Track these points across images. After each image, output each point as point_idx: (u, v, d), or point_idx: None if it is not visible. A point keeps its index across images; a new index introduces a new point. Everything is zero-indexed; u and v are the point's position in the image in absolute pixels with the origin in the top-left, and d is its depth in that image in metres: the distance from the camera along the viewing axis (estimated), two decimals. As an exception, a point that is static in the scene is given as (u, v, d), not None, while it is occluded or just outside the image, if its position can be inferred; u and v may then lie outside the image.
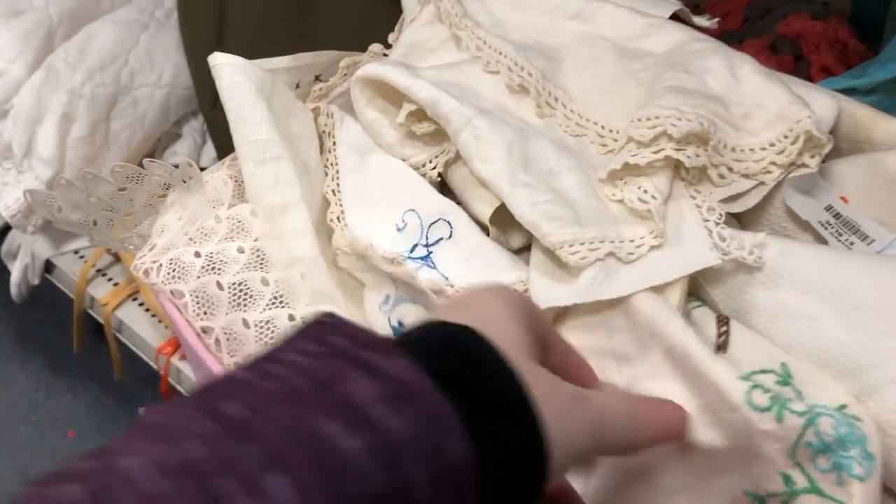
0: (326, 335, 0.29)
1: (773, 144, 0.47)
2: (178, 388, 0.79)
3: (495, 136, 0.48)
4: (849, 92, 0.58)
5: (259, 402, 0.26)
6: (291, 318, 0.51)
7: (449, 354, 0.30)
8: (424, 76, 0.51)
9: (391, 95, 0.53)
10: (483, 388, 0.29)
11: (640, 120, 0.47)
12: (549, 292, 0.45)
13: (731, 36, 0.72)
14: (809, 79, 0.65)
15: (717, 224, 0.45)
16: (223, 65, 0.54)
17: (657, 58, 0.53)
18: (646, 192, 0.46)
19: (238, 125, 0.53)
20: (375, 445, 0.26)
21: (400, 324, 0.51)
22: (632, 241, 0.45)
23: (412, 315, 0.50)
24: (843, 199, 0.49)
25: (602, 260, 0.45)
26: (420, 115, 0.52)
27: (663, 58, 0.53)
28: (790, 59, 0.67)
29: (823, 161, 0.50)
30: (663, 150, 0.45)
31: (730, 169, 0.47)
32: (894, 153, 0.49)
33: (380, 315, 0.52)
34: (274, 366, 0.28)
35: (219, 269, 0.52)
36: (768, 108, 0.48)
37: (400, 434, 0.26)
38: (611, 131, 0.51)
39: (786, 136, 0.47)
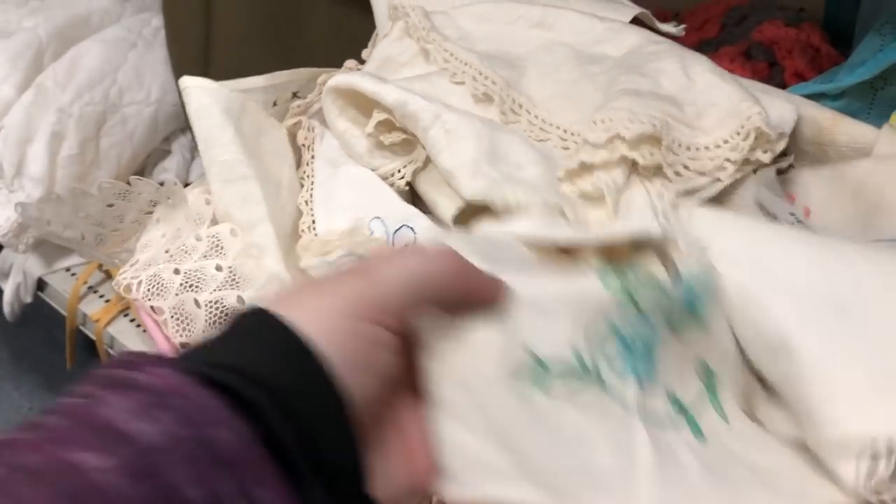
0: (99, 371, 0.29)
1: (726, 141, 0.48)
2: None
3: (465, 127, 0.49)
4: (818, 96, 0.58)
5: (17, 455, 0.26)
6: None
7: (227, 343, 0.31)
8: (393, 83, 0.52)
9: (362, 106, 0.54)
10: (253, 366, 0.29)
11: (594, 123, 0.47)
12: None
13: (708, 43, 0.72)
14: (783, 84, 0.66)
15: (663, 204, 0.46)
16: (191, 88, 0.55)
17: (615, 61, 0.54)
18: (600, 180, 0.46)
19: (206, 146, 0.54)
20: (129, 460, 0.25)
21: None
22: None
23: None
24: (806, 210, 0.50)
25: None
26: (389, 125, 0.52)
27: (620, 61, 0.54)
28: (764, 65, 0.67)
29: (791, 167, 0.51)
30: (618, 150, 0.46)
31: (685, 167, 0.48)
32: (856, 163, 0.50)
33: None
34: (43, 416, 0.28)
35: (196, 287, 0.53)
36: (720, 106, 0.49)
37: (156, 441, 0.26)
38: (572, 135, 0.52)
39: (738, 133, 0.47)
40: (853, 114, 0.55)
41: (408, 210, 0.52)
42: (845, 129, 0.51)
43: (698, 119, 0.49)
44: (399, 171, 0.53)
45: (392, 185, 0.54)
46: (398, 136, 0.52)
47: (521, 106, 0.53)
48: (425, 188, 0.53)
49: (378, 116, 0.52)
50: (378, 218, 0.52)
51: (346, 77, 0.53)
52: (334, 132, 0.56)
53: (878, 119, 0.56)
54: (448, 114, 0.50)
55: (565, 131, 0.52)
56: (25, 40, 0.80)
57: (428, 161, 0.52)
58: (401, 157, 0.54)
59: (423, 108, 0.50)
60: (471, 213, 0.49)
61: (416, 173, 0.53)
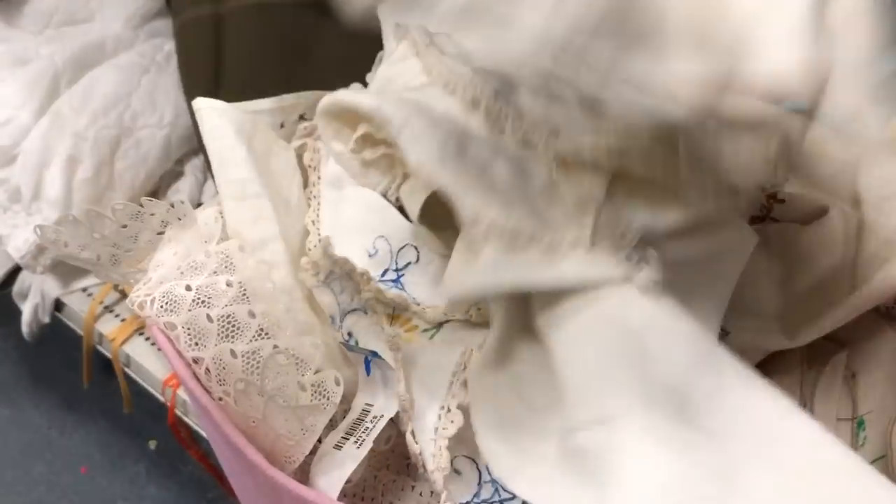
0: None
1: None
2: (185, 419, 0.82)
3: (431, 130, 0.48)
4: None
5: None
6: (276, 347, 0.53)
7: None
8: (375, 94, 0.52)
9: (356, 126, 0.55)
10: None
11: None
12: None
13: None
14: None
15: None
16: (205, 109, 0.57)
17: None
18: None
19: (219, 165, 0.56)
20: None
21: (350, 335, 0.52)
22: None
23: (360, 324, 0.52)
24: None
25: None
26: (370, 139, 0.52)
27: None
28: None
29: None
30: None
31: None
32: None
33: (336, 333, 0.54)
34: None
35: (208, 303, 0.54)
36: None
37: None
38: None
39: None
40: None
41: (410, 229, 0.53)
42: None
43: None
44: (390, 189, 0.54)
45: (390, 201, 0.54)
46: (379, 150, 0.52)
47: (507, 117, 0.53)
48: (404, 198, 0.53)
49: (361, 129, 0.52)
50: (382, 237, 0.53)
51: (332, 95, 0.53)
52: (332, 154, 0.57)
53: (873, 131, 0.56)
54: (416, 118, 0.49)
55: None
56: (42, 68, 0.82)
57: (407, 175, 0.52)
58: (388, 175, 0.54)
59: (396, 109, 0.49)
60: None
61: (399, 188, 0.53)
